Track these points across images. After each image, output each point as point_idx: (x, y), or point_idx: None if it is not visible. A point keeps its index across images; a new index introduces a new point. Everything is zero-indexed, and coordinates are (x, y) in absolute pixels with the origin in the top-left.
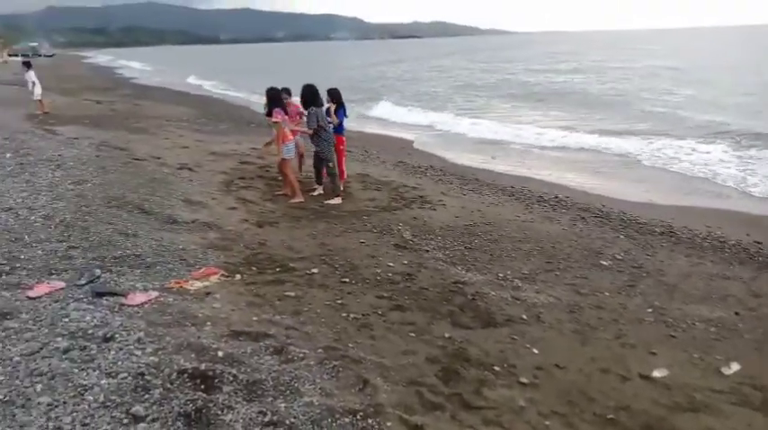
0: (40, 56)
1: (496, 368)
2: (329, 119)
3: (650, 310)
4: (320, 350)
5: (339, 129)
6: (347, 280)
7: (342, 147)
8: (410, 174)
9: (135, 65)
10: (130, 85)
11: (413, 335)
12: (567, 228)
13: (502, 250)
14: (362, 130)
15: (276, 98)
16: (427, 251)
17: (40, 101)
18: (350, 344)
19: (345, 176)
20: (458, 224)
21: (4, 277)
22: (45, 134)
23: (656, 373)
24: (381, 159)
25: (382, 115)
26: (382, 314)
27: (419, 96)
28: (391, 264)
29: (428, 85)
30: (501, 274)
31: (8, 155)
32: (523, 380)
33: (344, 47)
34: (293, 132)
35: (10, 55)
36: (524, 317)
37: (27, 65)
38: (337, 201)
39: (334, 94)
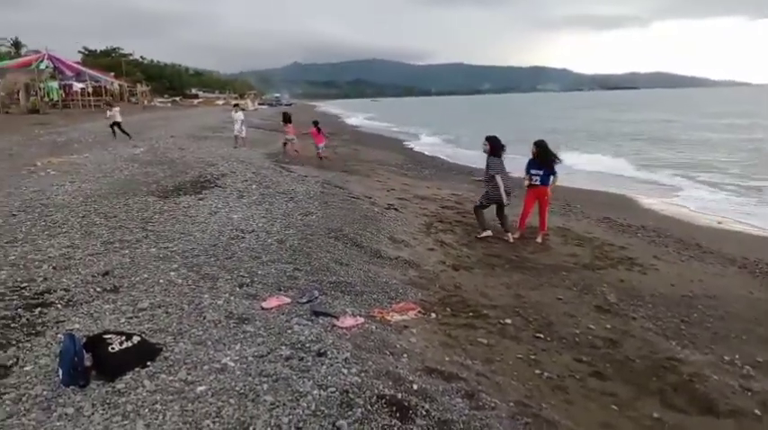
0: (281, 104)
1: None
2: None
3: None
4: (511, 403)
5: (544, 179)
6: (542, 335)
7: (546, 197)
8: (617, 233)
9: (356, 114)
10: (350, 132)
11: (614, 407)
12: None
13: (729, 330)
14: (564, 183)
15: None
16: (634, 318)
17: (236, 137)
18: (543, 404)
19: (546, 229)
20: (673, 293)
21: (245, 288)
22: (282, 171)
23: None
24: (585, 214)
25: (588, 168)
26: (580, 379)
27: (632, 147)
28: (592, 327)
29: (644, 139)
30: (727, 358)
31: (254, 186)
32: None
33: (545, 98)
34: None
35: (260, 104)
36: (757, 412)
37: (236, 106)
38: (485, 233)
39: (539, 145)
